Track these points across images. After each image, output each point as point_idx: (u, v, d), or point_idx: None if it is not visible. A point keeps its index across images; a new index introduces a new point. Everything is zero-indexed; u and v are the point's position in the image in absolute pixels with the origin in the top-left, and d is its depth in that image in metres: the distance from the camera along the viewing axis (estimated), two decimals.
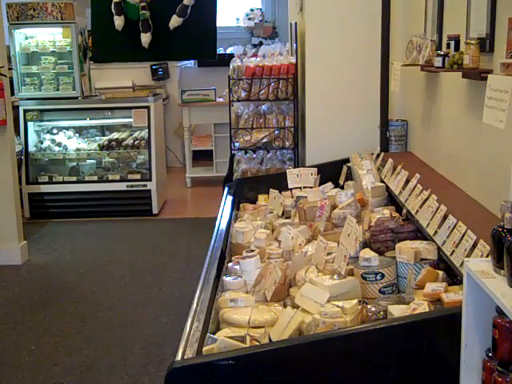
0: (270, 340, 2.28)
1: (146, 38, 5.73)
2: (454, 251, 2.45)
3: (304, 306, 2.45)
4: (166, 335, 4.03)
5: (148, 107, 6.80)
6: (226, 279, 2.80)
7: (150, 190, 6.78)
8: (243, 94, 5.39)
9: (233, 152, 5.45)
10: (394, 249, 2.76)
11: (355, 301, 2.37)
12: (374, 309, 2.36)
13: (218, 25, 5.99)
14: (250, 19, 9.78)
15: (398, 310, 2.25)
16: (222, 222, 3.69)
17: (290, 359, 2.04)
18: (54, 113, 7.02)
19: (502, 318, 1.76)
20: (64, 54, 7.07)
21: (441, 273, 2.52)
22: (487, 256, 2.13)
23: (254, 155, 5.51)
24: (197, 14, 5.75)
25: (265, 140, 5.37)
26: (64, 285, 4.97)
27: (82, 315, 4.39)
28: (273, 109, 5.52)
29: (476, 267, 1.86)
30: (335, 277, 2.56)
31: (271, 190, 3.92)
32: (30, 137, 6.87)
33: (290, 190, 4.07)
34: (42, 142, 6.93)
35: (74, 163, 7.08)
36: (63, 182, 6.84)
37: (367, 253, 2.74)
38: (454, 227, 2.53)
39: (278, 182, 4.16)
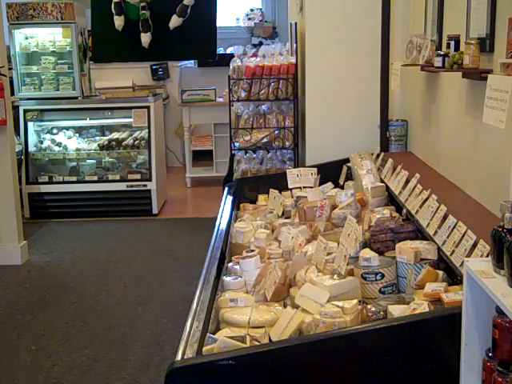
0: (270, 340, 2.28)
1: (146, 38, 5.73)
2: (454, 251, 2.45)
3: (304, 306, 2.45)
4: (166, 335, 4.03)
5: (148, 107, 6.80)
6: (226, 279, 2.80)
7: (149, 190, 6.78)
8: (243, 94, 5.39)
9: (233, 152, 5.46)
10: (394, 249, 2.76)
11: (355, 301, 2.37)
12: (374, 309, 2.36)
13: (218, 25, 5.99)
14: (249, 19, 9.78)
15: (397, 310, 2.25)
16: (222, 221, 3.69)
17: (290, 359, 2.04)
18: (54, 113, 7.02)
19: (502, 317, 1.76)
20: (64, 54, 7.07)
21: (441, 273, 2.52)
22: (487, 256, 2.13)
23: (254, 155, 5.51)
24: (197, 14, 5.75)
25: (265, 140, 5.37)
26: (64, 285, 4.97)
27: (82, 315, 4.39)
28: (273, 109, 5.52)
29: (476, 267, 1.86)
30: (335, 277, 2.56)
31: (271, 190, 3.92)
32: (30, 137, 6.86)
33: (290, 189, 4.07)
34: (42, 142, 6.93)
35: (74, 163, 7.07)
36: (63, 182, 6.84)
37: (367, 253, 2.74)
38: (454, 227, 2.53)
39: (278, 181, 4.16)
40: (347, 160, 4.26)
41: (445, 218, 2.66)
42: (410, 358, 2.05)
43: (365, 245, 2.91)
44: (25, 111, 6.81)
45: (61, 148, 6.91)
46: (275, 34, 10.05)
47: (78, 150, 6.94)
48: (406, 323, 2.06)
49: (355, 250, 2.75)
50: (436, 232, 2.68)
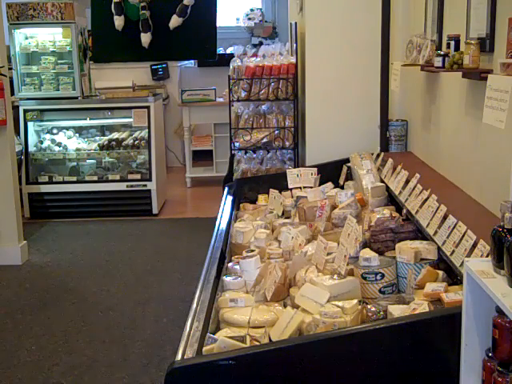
0: (270, 340, 2.28)
1: (146, 38, 5.73)
2: (454, 251, 2.46)
3: (304, 306, 2.45)
4: (166, 335, 4.03)
5: (148, 107, 6.80)
6: (226, 279, 2.81)
7: (150, 190, 6.78)
8: (243, 94, 5.39)
9: (233, 152, 5.46)
10: (394, 249, 2.76)
11: (355, 301, 2.38)
12: (373, 309, 2.37)
13: (218, 25, 5.99)
14: (250, 19, 9.78)
15: (398, 310, 2.25)
16: (222, 222, 3.70)
17: (290, 359, 2.04)
18: (54, 113, 7.02)
19: (502, 317, 1.76)
20: (64, 54, 7.07)
21: (441, 273, 2.52)
22: (487, 256, 2.13)
23: (254, 155, 5.51)
24: (197, 14, 5.75)
25: (265, 140, 5.37)
26: (64, 285, 4.97)
27: (82, 315, 4.39)
28: (273, 109, 5.52)
29: (476, 267, 1.86)
30: (335, 277, 2.56)
31: (271, 190, 3.92)
32: (30, 137, 6.86)
33: (290, 189, 4.07)
34: (42, 142, 6.93)
35: (74, 163, 7.07)
36: (63, 182, 6.84)
37: (367, 253, 2.74)
38: (454, 227, 2.53)
39: (278, 181, 4.16)
40: (347, 160, 4.27)
41: (445, 218, 2.66)
42: (410, 358, 2.05)
43: (365, 245, 2.91)
44: (25, 111, 6.81)
45: (61, 148, 6.91)
46: (275, 34, 10.05)
47: (77, 150, 6.94)
48: (406, 323, 2.06)
49: (355, 250, 2.75)
50: (436, 232, 2.68)
